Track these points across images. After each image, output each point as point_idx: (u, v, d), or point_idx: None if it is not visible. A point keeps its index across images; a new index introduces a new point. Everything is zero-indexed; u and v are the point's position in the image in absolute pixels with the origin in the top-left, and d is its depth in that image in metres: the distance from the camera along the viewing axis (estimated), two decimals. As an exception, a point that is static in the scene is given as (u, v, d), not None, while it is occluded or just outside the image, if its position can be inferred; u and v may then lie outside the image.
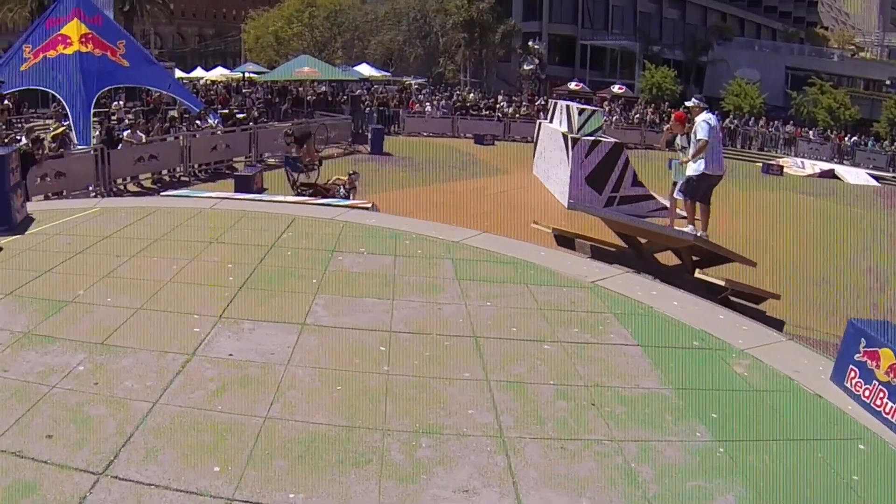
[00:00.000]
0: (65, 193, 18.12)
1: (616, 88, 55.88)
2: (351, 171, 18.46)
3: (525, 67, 61.40)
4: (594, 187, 20.39)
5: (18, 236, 9.50)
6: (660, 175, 20.68)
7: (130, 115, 28.54)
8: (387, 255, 8.88)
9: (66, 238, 9.58)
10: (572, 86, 55.47)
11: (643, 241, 11.23)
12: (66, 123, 21.06)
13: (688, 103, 12.66)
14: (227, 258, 8.55)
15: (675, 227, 12.30)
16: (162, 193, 14.92)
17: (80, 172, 18.59)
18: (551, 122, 25.36)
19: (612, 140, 21.43)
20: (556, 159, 22.60)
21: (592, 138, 20.59)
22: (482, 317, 6.93)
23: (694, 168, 11.59)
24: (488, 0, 59.68)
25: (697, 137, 11.18)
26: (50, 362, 5.67)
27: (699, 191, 11.70)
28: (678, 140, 12.92)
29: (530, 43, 62.27)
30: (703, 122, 11.21)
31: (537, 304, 7.39)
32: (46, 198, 17.51)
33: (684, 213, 12.63)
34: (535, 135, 27.94)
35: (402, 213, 15.40)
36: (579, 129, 20.87)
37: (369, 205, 12.07)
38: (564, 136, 21.36)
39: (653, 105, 52.61)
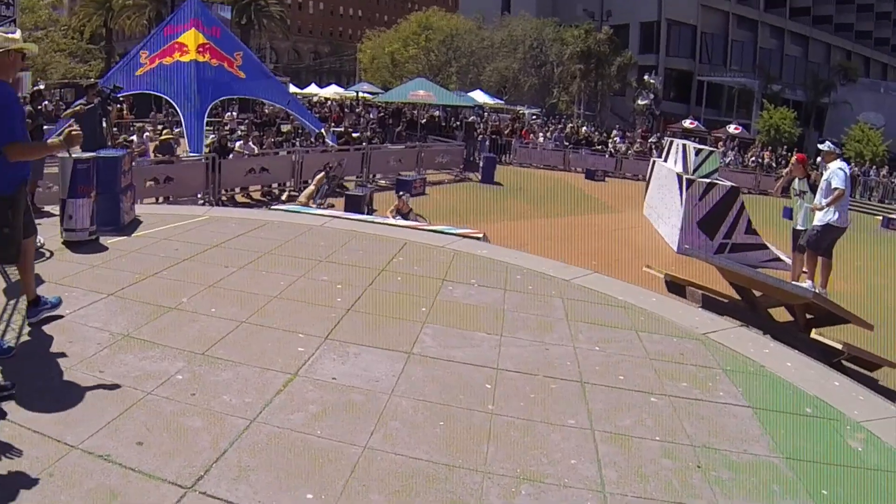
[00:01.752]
0: (171, 199, 18.49)
1: (732, 128, 54.83)
2: (401, 193, 18.41)
3: (640, 102, 60.87)
4: (706, 232, 19.89)
5: (125, 237, 9.70)
6: (773, 223, 20.10)
7: (243, 127, 29.15)
8: (497, 288, 8.74)
9: (173, 244, 9.73)
10: (687, 123, 54.78)
11: (758, 293, 10.86)
12: (176, 130, 21.54)
13: (821, 147, 12.08)
14: (336, 278, 8.53)
15: (793, 282, 11.87)
16: (272, 207, 15.14)
17: (190, 179, 19.01)
18: (666, 160, 24.90)
19: (729, 184, 20.85)
20: (668, 200, 22.17)
21: (708, 181, 20.09)
22: (590, 362, 6.72)
23: (820, 218, 11.20)
24: (606, 31, 59.33)
25: (833, 186, 10.77)
26: (148, 367, 5.68)
27: (822, 243, 11.28)
28: (795, 184, 12.49)
29: (646, 77, 61.65)
30: (840, 170, 10.81)
31: (646, 352, 7.14)
32: (156, 201, 18.00)
33: (804, 269, 12.23)
34: (648, 173, 27.51)
35: (512, 245, 15.30)
36: (695, 170, 20.42)
37: (481, 235, 11.98)
38: (679, 177, 20.92)
39: (769, 148, 51.17)
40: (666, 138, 34.14)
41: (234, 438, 4.74)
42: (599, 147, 40.57)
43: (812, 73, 70.17)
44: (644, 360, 6.93)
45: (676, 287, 11.47)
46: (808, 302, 9.96)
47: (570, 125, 47.89)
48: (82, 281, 7.72)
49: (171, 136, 20.68)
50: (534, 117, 52.52)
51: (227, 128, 31.81)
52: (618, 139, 43.73)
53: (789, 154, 49.77)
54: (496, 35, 64.29)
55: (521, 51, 62.24)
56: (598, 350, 7.04)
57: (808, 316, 10.44)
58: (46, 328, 6.33)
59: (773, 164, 44.62)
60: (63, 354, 5.83)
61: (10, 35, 5.67)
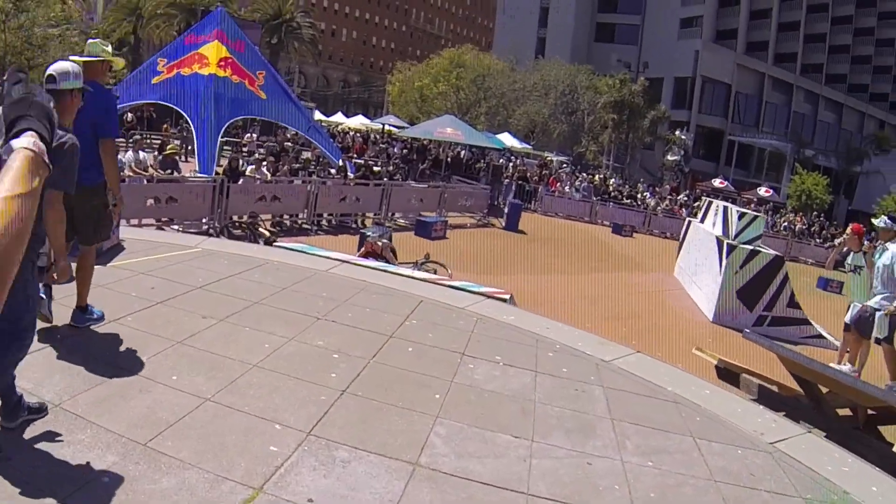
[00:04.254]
0: (175, 222, 17.20)
1: (763, 191, 53.32)
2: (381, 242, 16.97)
3: (669, 158, 59.68)
4: (745, 302, 18.28)
5: (98, 267, 8.08)
6: (806, 294, 18.73)
7: (262, 150, 27.85)
8: (526, 369, 7.23)
9: (150, 280, 8.35)
10: (717, 182, 53.48)
11: (826, 390, 9.39)
12: (176, 142, 20.09)
13: (877, 223, 10.90)
14: (334, 344, 7.06)
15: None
16: (276, 243, 13.65)
17: (195, 202, 17.49)
18: (703, 222, 23.39)
19: (773, 252, 19.28)
20: (704, 264, 20.58)
21: (751, 247, 18.55)
22: (644, 485, 5.20)
23: (879, 303, 9.91)
24: (641, 82, 58.22)
25: None
26: (69, 460, 4.29)
27: (883, 332, 9.97)
28: (850, 259, 11.14)
29: (677, 132, 60.48)
30: None
31: (709, 470, 5.61)
32: (158, 222, 16.72)
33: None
34: (682, 233, 25.89)
35: (539, 303, 13.94)
36: (737, 235, 18.88)
37: (507, 296, 10.49)
38: (719, 241, 19.37)
39: (801, 213, 49.63)
40: (703, 198, 32.66)
41: None
42: (628, 201, 39.05)
43: (845, 140, 68.99)
44: (708, 484, 5.41)
45: (728, 374, 10.02)
46: (888, 405, 8.51)
47: (599, 176, 46.44)
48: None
49: (175, 151, 19.05)
50: (563, 165, 51.19)
51: (244, 150, 30.61)
52: (648, 195, 42.32)
53: (821, 219, 48.69)
54: (528, 78, 63.24)
55: (552, 96, 61.13)
56: (652, 466, 5.54)
57: (871, 412, 9.16)
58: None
59: (805, 231, 43.17)
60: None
61: (105, 47, 6.68)
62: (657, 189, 48.17)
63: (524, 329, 8.70)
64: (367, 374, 6.42)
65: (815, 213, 52.14)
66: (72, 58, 6.04)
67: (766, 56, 71.97)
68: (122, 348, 6.07)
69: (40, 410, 4.72)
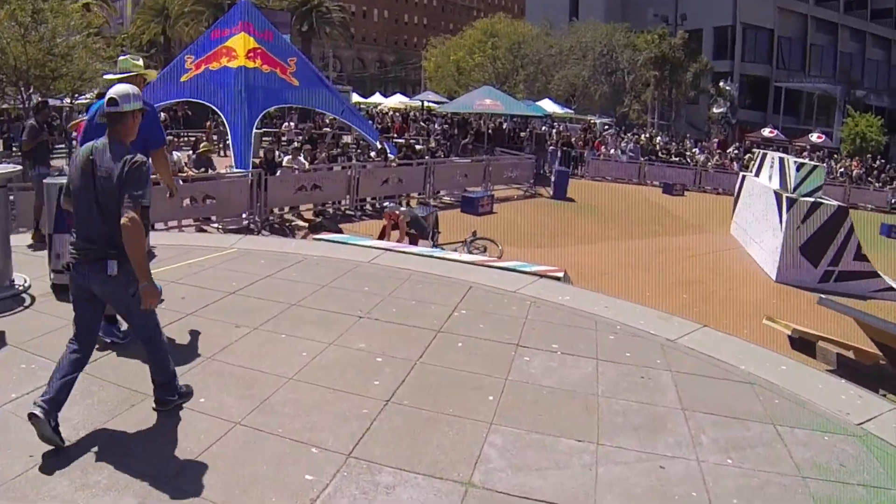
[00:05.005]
0: (215, 219, 16.85)
1: (815, 137, 51.69)
2: (386, 205, 16.32)
3: (715, 111, 58.13)
4: (809, 258, 17.45)
5: None
6: (870, 243, 17.89)
7: (300, 138, 27.30)
8: (587, 357, 6.66)
9: (181, 289, 7.96)
10: (766, 132, 51.98)
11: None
12: (214, 137, 19.60)
13: None
14: (377, 346, 6.55)
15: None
16: (314, 236, 13.13)
17: (234, 198, 17.10)
18: (758, 175, 22.46)
19: (836, 203, 18.32)
20: (763, 221, 19.69)
21: (812, 199, 17.66)
22: (724, 489, 4.58)
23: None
24: (681, 35, 56.73)
25: None
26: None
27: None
28: None
29: (721, 84, 58.88)
30: None
31: (795, 465, 4.95)
32: (196, 222, 16.41)
33: None
34: (737, 189, 24.88)
35: (594, 275, 13.44)
36: (797, 188, 18.00)
37: (561, 274, 9.88)
38: (777, 196, 18.50)
39: (857, 158, 47.82)
40: (755, 150, 31.55)
41: None
42: (677, 159, 37.95)
43: (896, 77, 66.82)
44: (795, 481, 4.78)
45: (802, 343, 9.35)
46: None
47: (645, 135, 45.24)
48: (54, 346, 5.52)
49: (208, 149, 18.50)
50: (606, 127, 50.06)
51: (283, 139, 30.14)
52: (697, 151, 41.03)
53: (880, 161, 46.96)
54: (564, 42, 61.89)
55: (590, 58, 59.74)
56: (732, 465, 4.94)
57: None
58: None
59: (864, 176, 41.48)
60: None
61: (136, 62, 7.03)
62: (704, 143, 46.86)
63: (581, 310, 8.13)
64: (413, 379, 5.91)
65: (870, 155, 50.26)
66: (106, 76, 7.00)
67: (808, -5, 69.95)
68: (144, 370, 5.60)
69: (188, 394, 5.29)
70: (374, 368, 6.04)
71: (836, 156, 49.10)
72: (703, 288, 15.73)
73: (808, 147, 48.00)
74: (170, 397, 5.10)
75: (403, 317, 7.48)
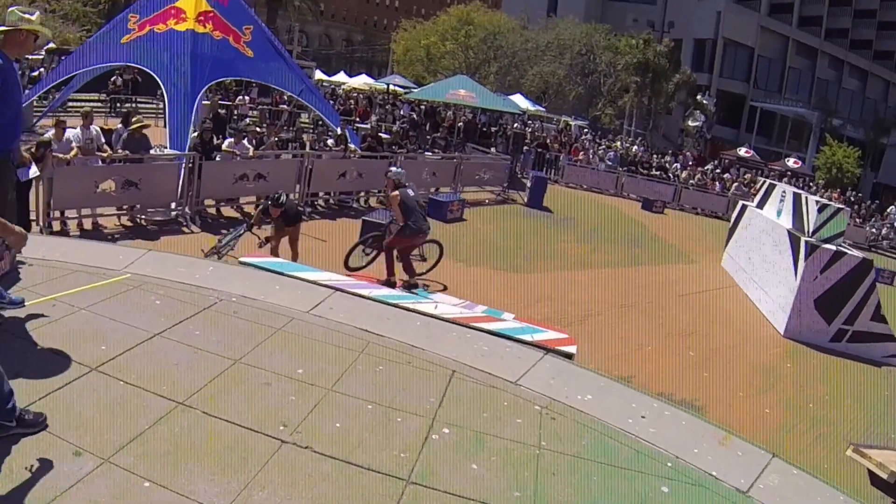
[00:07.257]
0: (138, 209, 14.11)
1: (791, 162, 49.77)
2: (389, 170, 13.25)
3: (690, 123, 56.08)
4: (823, 314, 15.05)
5: None
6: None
7: (255, 113, 24.40)
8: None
9: (23, 353, 5.15)
10: (742, 152, 50.10)
11: None
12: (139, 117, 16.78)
13: None
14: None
15: None
16: (241, 259, 9.92)
17: (161, 185, 14.27)
18: (761, 207, 20.08)
19: (860, 254, 15.88)
20: (770, 263, 17.22)
21: (835, 248, 15.31)
22: None
23: None
24: (666, 43, 54.62)
25: None
26: None
27: None
28: None
29: (699, 97, 57.02)
30: None
31: None
32: (119, 210, 13.77)
33: None
34: (734, 218, 22.27)
35: (582, 317, 11.60)
36: (815, 232, 15.61)
37: (573, 348, 7.32)
38: (793, 238, 16.06)
39: (838, 190, 45.43)
40: (760, 179, 29.25)
41: None
42: (657, 173, 35.46)
43: (870, 109, 65.64)
44: None
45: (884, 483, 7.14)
46: None
47: (623, 144, 42.75)
48: None
49: (141, 124, 15.14)
50: (584, 131, 47.73)
51: (235, 114, 27.23)
52: (678, 166, 38.49)
53: (857, 195, 45.08)
54: (541, 37, 59.59)
55: (568, 56, 57.53)
56: None
57: None
58: None
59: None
60: None
61: (25, 15, 5.81)
62: (682, 156, 44.57)
63: (612, 427, 5.58)
64: None
65: (844, 188, 48.25)
66: None
67: (791, 19, 68.33)
68: None
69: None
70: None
71: (811, 184, 47.16)
72: (705, 342, 13.44)
73: (787, 172, 45.86)
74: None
75: (354, 442, 4.77)
